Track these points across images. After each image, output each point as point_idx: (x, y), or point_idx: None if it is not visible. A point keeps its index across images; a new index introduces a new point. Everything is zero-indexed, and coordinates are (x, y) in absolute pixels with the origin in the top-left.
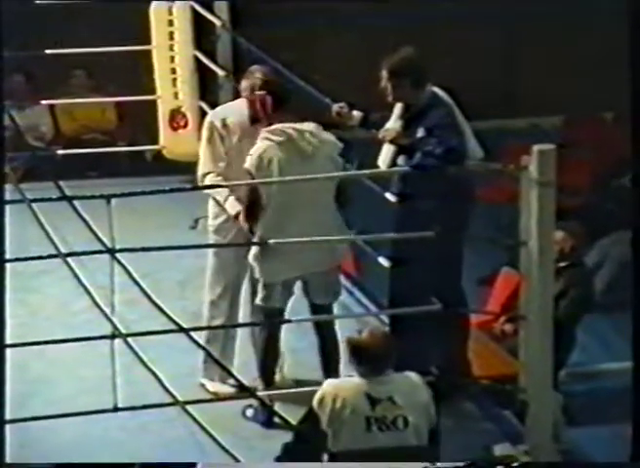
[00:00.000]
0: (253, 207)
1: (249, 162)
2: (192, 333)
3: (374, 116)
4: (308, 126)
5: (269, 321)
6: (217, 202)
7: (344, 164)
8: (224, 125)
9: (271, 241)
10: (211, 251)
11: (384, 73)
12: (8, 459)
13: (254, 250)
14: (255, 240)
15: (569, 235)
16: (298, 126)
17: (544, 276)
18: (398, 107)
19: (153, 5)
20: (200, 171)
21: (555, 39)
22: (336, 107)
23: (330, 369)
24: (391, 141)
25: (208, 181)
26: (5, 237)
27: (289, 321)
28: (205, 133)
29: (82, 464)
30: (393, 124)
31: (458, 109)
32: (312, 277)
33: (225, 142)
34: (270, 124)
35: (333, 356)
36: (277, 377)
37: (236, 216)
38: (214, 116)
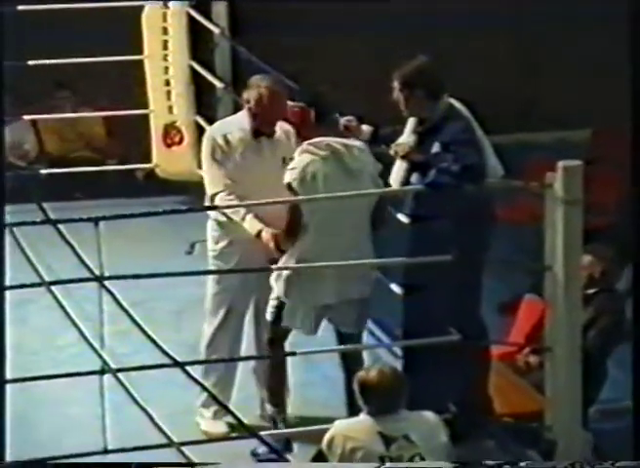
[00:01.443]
0: (294, 224)
1: (290, 175)
2: (189, 368)
3: (385, 130)
4: (355, 142)
5: (272, 355)
6: (219, 224)
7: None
8: (226, 140)
9: (292, 265)
10: (211, 277)
11: (396, 84)
12: (8, 458)
13: (285, 271)
14: (290, 260)
15: (598, 258)
16: (344, 141)
17: (572, 303)
18: (411, 121)
19: (146, 11)
20: (209, 191)
21: (580, 43)
22: (343, 121)
23: (355, 404)
24: (403, 157)
25: (219, 202)
26: (5, 263)
27: (293, 353)
28: (206, 150)
29: (81, 464)
30: (406, 138)
31: (476, 123)
32: (345, 304)
33: (230, 159)
34: (305, 138)
35: None
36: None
37: (258, 235)
38: (214, 131)
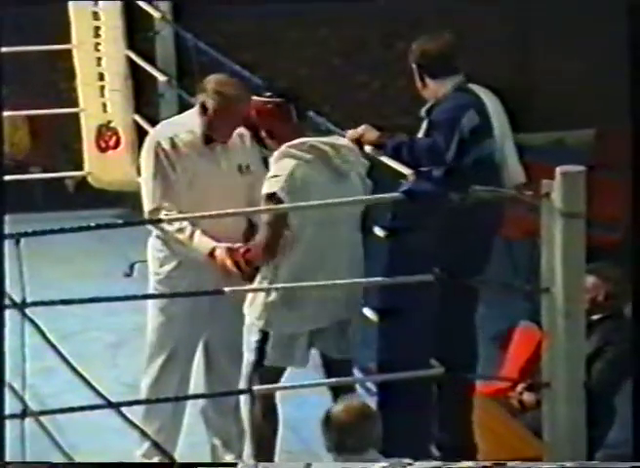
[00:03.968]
0: (276, 239)
1: (274, 184)
2: (127, 411)
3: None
4: (342, 140)
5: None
6: (165, 243)
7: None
8: (173, 144)
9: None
10: (153, 306)
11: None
12: (7, 458)
13: (266, 297)
14: (271, 282)
15: (603, 280)
16: (330, 140)
17: (573, 332)
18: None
19: None
20: (148, 205)
21: (582, 30)
22: (359, 131)
23: None
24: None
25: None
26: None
27: (248, 390)
28: (149, 157)
29: (124, 464)
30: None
31: (502, 115)
32: (337, 326)
33: (176, 167)
34: (280, 139)
35: None
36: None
37: (211, 254)
38: (159, 133)
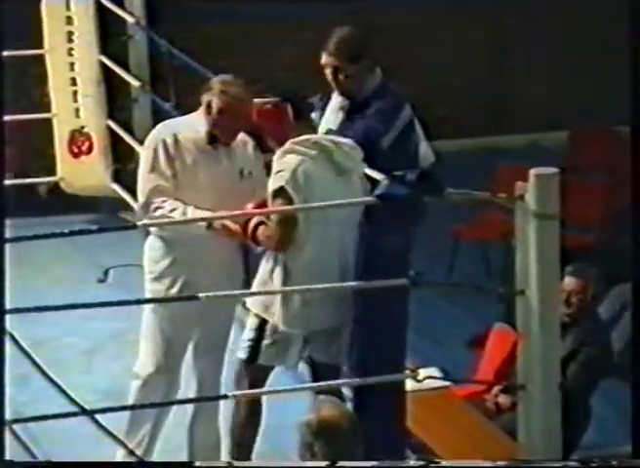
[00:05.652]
0: (288, 237)
1: (279, 179)
2: (99, 417)
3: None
4: (346, 139)
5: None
6: (163, 240)
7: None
8: (176, 140)
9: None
10: (146, 308)
11: (334, 61)
12: (8, 456)
13: (284, 298)
14: (284, 281)
15: (578, 281)
16: (333, 137)
17: (548, 333)
18: (337, 97)
19: None
20: (139, 200)
21: (555, 34)
22: None
23: None
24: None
25: (155, 212)
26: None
27: (225, 396)
28: (148, 153)
29: (82, 463)
30: (330, 116)
31: (408, 105)
32: (330, 329)
33: (176, 164)
34: (281, 141)
35: None
36: None
37: (209, 226)
38: (162, 130)
